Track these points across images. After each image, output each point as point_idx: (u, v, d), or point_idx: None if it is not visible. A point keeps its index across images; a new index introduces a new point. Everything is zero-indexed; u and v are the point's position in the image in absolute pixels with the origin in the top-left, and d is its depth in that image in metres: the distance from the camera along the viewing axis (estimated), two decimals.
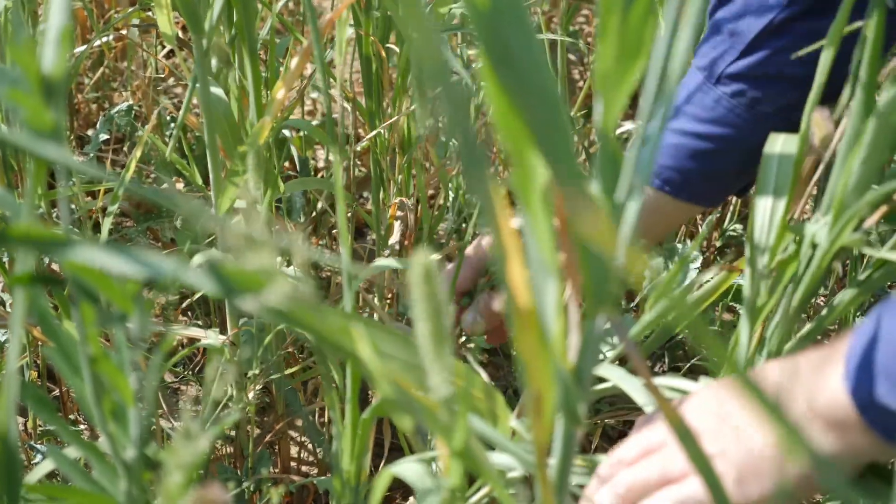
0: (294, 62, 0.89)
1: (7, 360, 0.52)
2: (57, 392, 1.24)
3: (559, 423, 0.55)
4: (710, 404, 0.71)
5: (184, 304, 1.32)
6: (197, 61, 0.89)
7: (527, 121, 0.44)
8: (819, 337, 0.91)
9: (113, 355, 0.55)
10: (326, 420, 1.27)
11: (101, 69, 1.76)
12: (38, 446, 1.06)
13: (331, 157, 1.70)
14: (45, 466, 0.76)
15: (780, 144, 0.89)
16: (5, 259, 1.11)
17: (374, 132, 1.23)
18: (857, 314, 1.34)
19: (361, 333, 0.50)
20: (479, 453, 0.53)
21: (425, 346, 0.45)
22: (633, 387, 0.77)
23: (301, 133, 1.52)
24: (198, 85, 0.91)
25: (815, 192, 0.91)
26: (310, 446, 1.29)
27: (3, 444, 0.53)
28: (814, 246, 0.84)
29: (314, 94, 1.94)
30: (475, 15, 0.42)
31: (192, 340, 1.09)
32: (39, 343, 1.16)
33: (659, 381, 0.80)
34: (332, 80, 1.40)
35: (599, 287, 0.49)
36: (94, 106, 1.80)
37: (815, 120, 0.81)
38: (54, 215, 1.20)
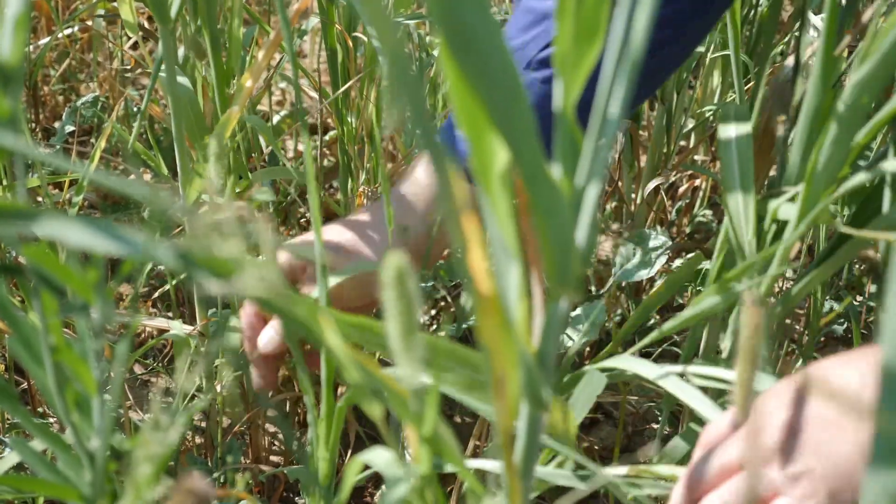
0: (262, 52, 0.88)
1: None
2: (25, 385, 1.24)
3: (523, 407, 0.55)
4: (780, 414, 0.67)
5: (153, 296, 1.31)
6: (163, 51, 0.88)
7: (486, 103, 0.44)
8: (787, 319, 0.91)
9: (76, 345, 0.55)
10: (299, 411, 1.27)
11: (67, 61, 1.74)
12: (5, 439, 1.05)
13: (300, 148, 1.69)
14: (11, 458, 0.75)
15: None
16: None
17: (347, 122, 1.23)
18: (826, 296, 1.35)
19: (329, 321, 0.50)
20: (448, 440, 0.53)
21: (396, 340, 0.46)
22: (692, 398, 0.76)
23: (270, 123, 1.52)
24: (163, 74, 0.91)
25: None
26: (281, 436, 1.28)
27: None
28: (776, 222, 0.85)
29: (282, 84, 1.93)
30: None
31: (162, 331, 1.09)
32: (6, 335, 1.16)
33: (692, 369, 0.79)
34: (300, 70, 1.39)
35: (562, 269, 0.49)
36: (60, 98, 1.79)
37: None
38: None
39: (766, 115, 0.88)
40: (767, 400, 0.68)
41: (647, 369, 0.79)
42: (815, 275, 0.86)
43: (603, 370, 0.84)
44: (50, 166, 1.14)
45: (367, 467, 0.61)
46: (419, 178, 1.01)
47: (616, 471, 0.75)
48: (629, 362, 0.82)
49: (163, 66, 0.91)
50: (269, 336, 0.96)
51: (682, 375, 0.77)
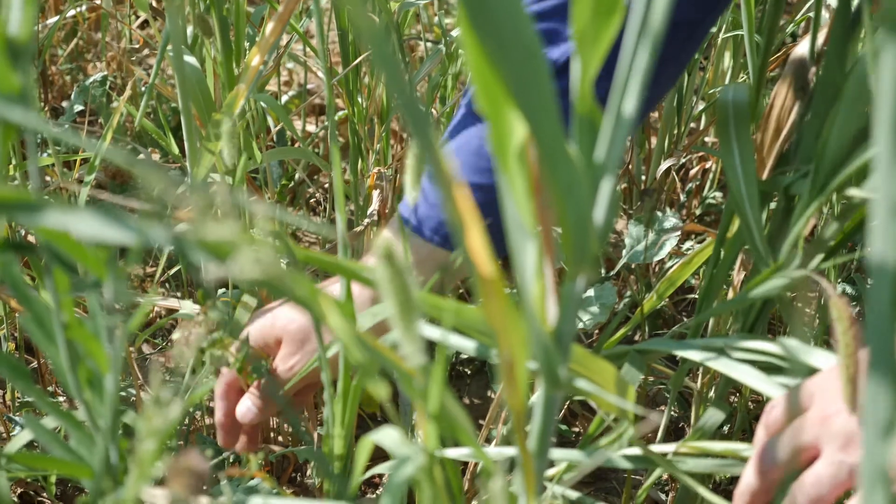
0: (269, 28, 0.87)
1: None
2: (35, 364, 1.23)
3: (539, 388, 0.54)
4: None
5: (162, 277, 1.31)
6: (171, 29, 0.88)
7: (505, 76, 0.43)
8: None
9: (88, 323, 0.55)
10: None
11: (75, 40, 1.74)
12: (16, 418, 1.05)
13: (309, 128, 1.69)
14: (23, 437, 0.75)
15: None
16: None
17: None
18: (838, 279, 1.34)
19: (330, 301, 0.50)
20: (458, 416, 0.52)
21: (395, 320, 0.45)
22: (747, 375, 0.75)
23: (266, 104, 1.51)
24: (171, 53, 0.90)
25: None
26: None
27: None
28: (788, 198, 0.84)
29: (290, 65, 1.92)
30: None
31: (171, 311, 1.08)
32: (17, 315, 1.15)
33: (733, 342, 0.78)
34: (308, 49, 1.38)
35: (579, 248, 0.49)
36: (67, 78, 1.78)
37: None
38: (28, 188, 1.19)
39: (779, 94, 0.88)
40: (830, 380, 0.67)
41: (692, 351, 0.78)
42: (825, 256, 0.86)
43: (639, 352, 0.83)
44: (61, 145, 1.13)
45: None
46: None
47: (663, 448, 0.75)
48: (670, 345, 0.82)
49: (170, 45, 0.90)
50: (247, 407, 0.96)
51: (721, 352, 0.76)
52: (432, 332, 0.66)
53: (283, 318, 0.93)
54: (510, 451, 0.73)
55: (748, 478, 0.69)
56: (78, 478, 0.58)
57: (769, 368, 0.76)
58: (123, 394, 1.09)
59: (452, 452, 0.73)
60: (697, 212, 1.66)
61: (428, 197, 0.93)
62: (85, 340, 0.54)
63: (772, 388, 0.73)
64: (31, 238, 1.30)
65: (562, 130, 0.45)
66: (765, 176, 0.90)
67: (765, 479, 0.68)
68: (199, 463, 0.48)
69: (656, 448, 0.75)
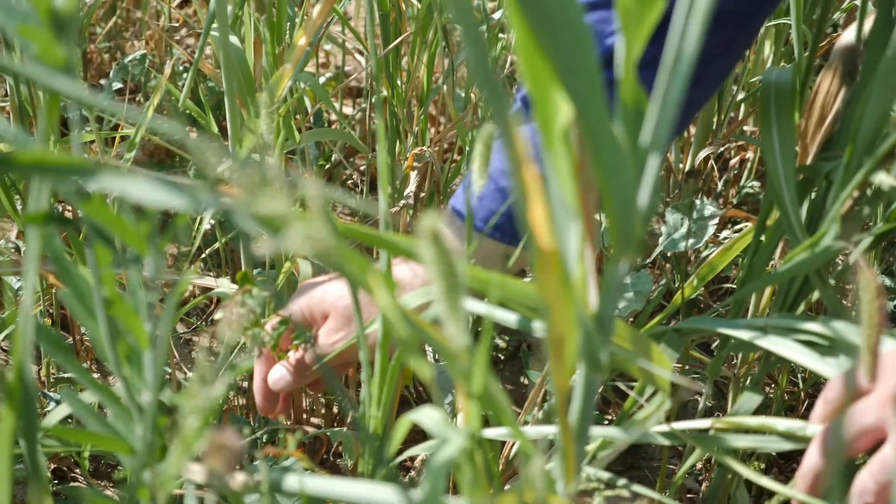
0: (316, 9, 0.87)
1: (22, 301, 0.51)
2: (70, 340, 1.24)
3: (580, 370, 0.54)
4: None
5: (200, 256, 1.32)
6: (216, 7, 0.88)
7: (552, 56, 0.43)
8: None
9: (128, 298, 0.55)
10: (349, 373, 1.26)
11: (114, 18, 1.74)
12: (51, 394, 1.06)
13: (345, 111, 1.69)
14: (59, 412, 0.76)
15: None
16: (18, 205, 1.11)
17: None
18: (879, 270, 1.33)
19: (379, 277, 0.50)
20: (499, 398, 0.52)
21: (441, 300, 0.45)
22: (798, 353, 0.75)
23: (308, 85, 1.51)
24: (215, 33, 0.90)
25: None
26: (321, 399, 1.29)
27: (21, 386, 0.53)
28: (829, 185, 0.83)
29: (327, 46, 1.92)
30: None
31: (205, 290, 1.09)
32: (53, 291, 1.16)
33: (773, 322, 0.77)
34: (347, 32, 1.38)
35: (624, 231, 0.48)
36: (106, 56, 1.79)
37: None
38: None
39: (824, 81, 0.87)
40: (893, 362, 0.67)
41: (736, 330, 0.77)
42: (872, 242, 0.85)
43: (677, 330, 0.83)
44: (103, 123, 1.14)
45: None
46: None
47: (698, 424, 0.74)
48: (712, 323, 0.81)
49: (214, 24, 0.90)
50: (280, 374, 0.97)
51: (763, 330, 0.76)
52: (477, 306, 0.66)
53: (333, 294, 0.94)
54: (549, 429, 0.73)
55: (812, 458, 0.68)
56: (116, 453, 0.59)
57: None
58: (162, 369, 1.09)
59: (490, 432, 0.73)
60: (734, 201, 1.64)
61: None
62: (125, 316, 0.54)
63: (823, 366, 0.73)
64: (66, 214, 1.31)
65: (607, 112, 0.44)
66: (808, 162, 0.89)
67: (829, 460, 0.67)
68: (236, 441, 0.48)
69: (695, 424, 0.75)
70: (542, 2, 0.42)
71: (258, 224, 0.42)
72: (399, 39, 1.25)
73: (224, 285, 1.01)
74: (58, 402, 1.06)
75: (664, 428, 0.75)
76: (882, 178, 0.80)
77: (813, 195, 0.90)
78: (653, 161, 0.48)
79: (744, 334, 0.77)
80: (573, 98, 0.44)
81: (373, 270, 0.48)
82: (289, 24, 1.31)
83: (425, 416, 0.56)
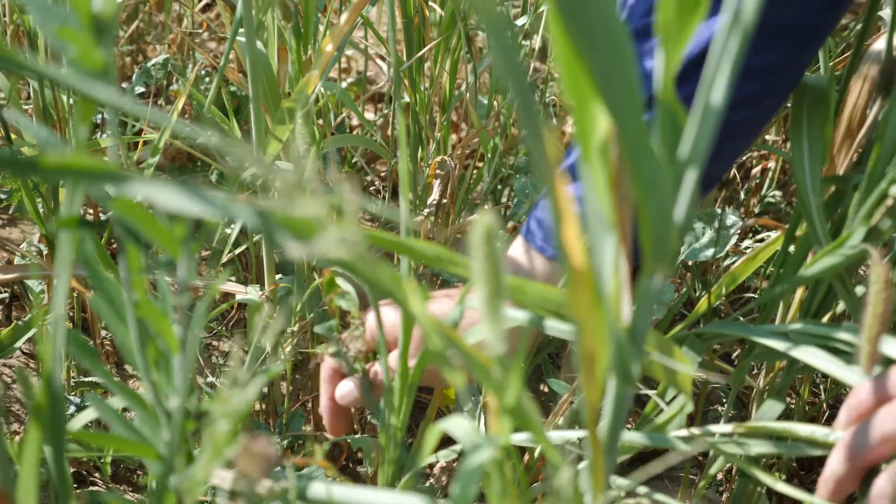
0: (343, 17, 0.87)
1: (54, 304, 0.51)
2: (91, 344, 1.24)
3: (611, 383, 0.54)
4: None
5: (223, 261, 1.32)
6: (243, 13, 0.88)
7: (592, 69, 0.43)
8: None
9: (157, 302, 0.55)
10: None
11: (136, 22, 1.75)
12: (72, 398, 1.06)
13: (367, 115, 1.69)
14: (85, 416, 0.76)
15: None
16: (41, 209, 1.11)
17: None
18: None
19: (413, 287, 0.49)
20: (530, 410, 0.52)
21: (482, 304, 0.45)
22: (823, 361, 0.74)
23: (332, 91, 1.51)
24: (241, 38, 0.90)
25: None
26: None
27: (49, 390, 0.53)
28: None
29: (349, 52, 1.92)
30: None
31: (227, 296, 1.08)
32: (75, 294, 1.16)
33: (793, 328, 0.76)
34: (369, 38, 1.38)
35: (659, 245, 0.48)
36: (128, 59, 1.79)
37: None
38: None
39: (852, 93, 0.86)
40: None
41: (760, 335, 0.77)
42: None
43: (698, 336, 0.82)
44: (126, 127, 1.14)
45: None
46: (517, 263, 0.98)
47: (721, 428, 0.74)
48: (735, 328, 0.81)
49: (241, 29, 0.90)
50: (349, 389, 0.96)
51: (787, 337, 0.76)
52: (515, 314, 0.66)
53: None
54: (576, 434, 0.73)
55: (834, 464, 0.68)
56: (142, 458, 0.59)
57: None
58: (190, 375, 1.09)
59: (516, 439, 0.73)
60: (756, 210, 1.64)
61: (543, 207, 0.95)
62: (155, 320, 0.54)
63: (848, 374, 0.72)
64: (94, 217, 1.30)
65: (645, 125, 0.44)
66: (839, 174, 0.88)
67: (851, 467, 0.67)
68: (268, 447, 0.48)
69: (717, 428, 0.74)
70: (584, 15, 0.42)
71: (290, 231, 0.42)
72: (426, 49, 1.25)
73: (251, 292, 1.01)
74: (78, 406, 1.06)
75: (684, 433, 0.75)
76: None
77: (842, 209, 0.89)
78: (690, 175, 0.47)
79: (767, 340, 0.77)
80: (612, 111, 0.44)
81: (406, 280, 0.48)
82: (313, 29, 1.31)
83: (454, 424, 0.56)
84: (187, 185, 0.41)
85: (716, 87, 0.45)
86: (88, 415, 0.76)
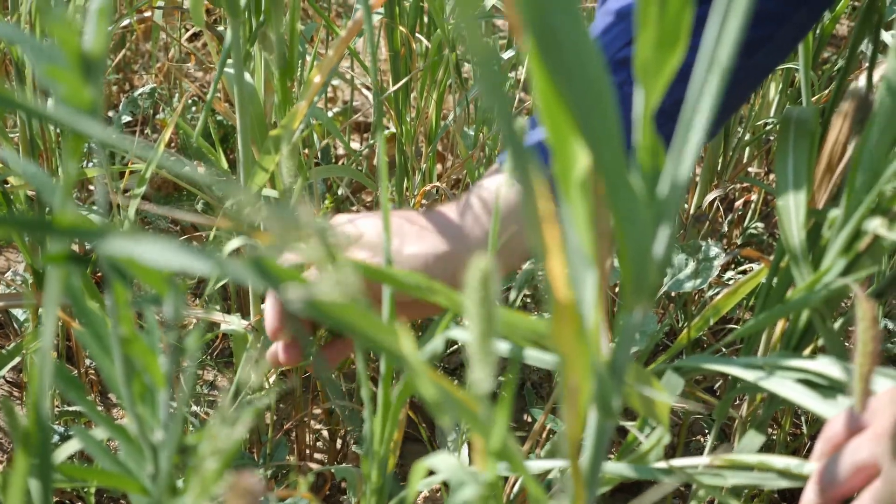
0: (332, 49, 0.88)
1: (42, 337, 0.52)
2: (74, 373, 1.24)
3: (592, 416, 0.54)
4: None
5: (205, 292, 1.32)
6: (232, 44, 0.88)
7: (571, 107, 0.43)
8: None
9: (144, 337, 0.55)
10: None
11: (123, 51, 1.75)
12: (56, 427, 1.06)
13: (353, 146, 1.69)
14: (69, 447, 0.76)
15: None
16: (26, 238, 1.11)
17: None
18: (882, 315, 1.33)
19: (405, 332, 0.50)
20: (515, 450, 0.52)
21: (474, 344, 0.45)
22: (798, 394, 0.75)
23: (321, 121, 1.52)
24: (229, 70, 0.91)
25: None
26: (325, 434, 1.29)
27: (38, 423, 0.53)
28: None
29: (335, 82, 1.93)
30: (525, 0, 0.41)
31: (212, 326, 1.09)
32: (59, 323, 1.16)
33: (771, 361, 0.77)
34: (355, 68, 1.38)
35: (639, 279, 0.49)
36: (114, 88, 1.80)
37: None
38: (74, 195, 1.20)
39: (833, 128, 0.87)
40: (889, 400, 0.67)
41: (736, 368, 0.78)
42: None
43: (677, 369, 0.83)
44: (123, 155, 1.14)
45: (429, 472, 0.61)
46: (484, 193, 0.95)
47: (698, 461, 0.74)
48: (711, 360, 0.81)
49: (229, 60, 0.91)
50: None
51: (762, 369, 0.76)
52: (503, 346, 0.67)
53: (363, 227, 0.89)
54: (553, 463, 0.73)
55: (809, 496, 0.69)
56: (126, 491, 0.59)
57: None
58: (184, 410, 1.09)
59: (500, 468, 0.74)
60: (739, 241, 1.65)
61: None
62: (142, 355, 0.54)
63: (825, 407, 0.73)
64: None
65: (625, 162, 0.45)
66: (818, 208, 0.89)
67: (825, 497, 0.68)
68: (257, 484, 0.49)
69: (693, 461, 0.75)
70: (563, 53, 0.42)
71: (285, 279, 0.42)
72: (406, 79, 1.26)
73: (234, 322, 1.01)
74: (62, 436, 1.06)
75: (663, 465, 0.75)
76: (874, 225, 0.80)
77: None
78: (669, 212, 0.48)
79: (743, 373, 0.77)
80: (591, 147, 0.44)
81: (399, 328, 0.49)
82: (299, 60, 1.32)
83: (440, 461, 0.57)
84: (171, 241, 0.41)
85: (693, 130, 0.46)
86: (73, 445, 0.77)
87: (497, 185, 0.92)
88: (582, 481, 0.55)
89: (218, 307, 1.33)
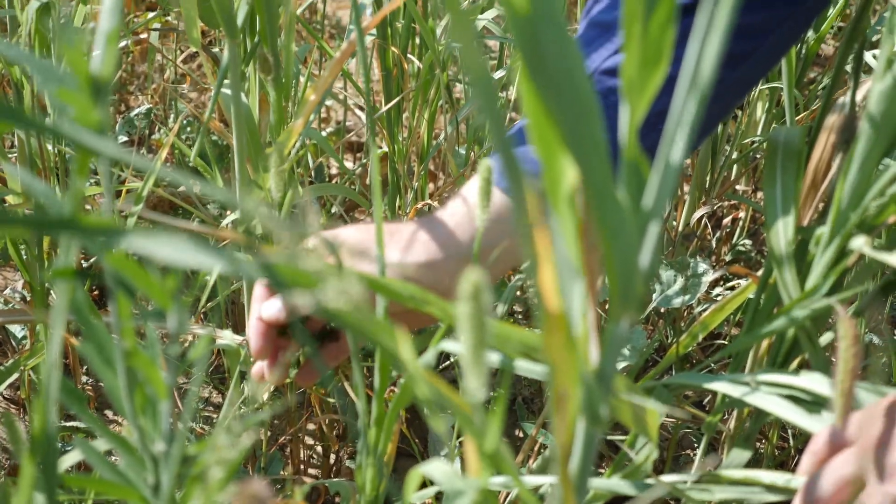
0: (326, 70, 0.90)
1: (50, 349, 0.53)
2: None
3: (580, 424, 0.56)
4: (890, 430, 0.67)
5: (199, 309, 1.34)
6: (230, 64, 0.90)
7: (560, 124, 0.45)
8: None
9: (146, 350, 0.57)
10: (336, 426, 1.28)
11: (119, 72, 1.77)
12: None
13: (346, 165, 1.71)
14: (68, 459, 0.77)
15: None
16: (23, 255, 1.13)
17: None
18: (866, 330, 1.35)
19: (405, 336, 0.52)
20: (506, 456, 0.54)
21: (466, 354, 0.47)
22: (785, 410, 0.76)
23: (314, 141, 1.54)
24: (225, 90, 0.93)
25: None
26: (319, 449, 1.30)
27: (44, 436, 0.55)
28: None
29: (328, 102, 1.95)
30: (515, 21, 0.43)
31: (182, 354, 1.10)
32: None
33: (761, 378, 0.79)
34: (348, 89, 1.40)
35: (625, 290, 0.50)
36: (110, 108, 1.82)
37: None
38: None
39: (818, 147, 0.90)
40: (875, 413, 0.68)
41: (723, 385, 0.79)
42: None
43: (666, 386, 0.84)
44: (119, 174, 1.16)
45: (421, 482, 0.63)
46: (468, 199, 0.96)
47: (685, 477, 0.76)
48: (698, 378, 0.83)
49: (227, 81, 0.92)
50: (275, 307, 0.90)
51: (748, 385, 0.78)
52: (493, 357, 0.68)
53: (344, 237, 0.91)
54: (547, 479, 0.75)
55: None
56: (128, 501, 0.60)
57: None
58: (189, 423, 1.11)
59: (494, 482, 0.75)
60: (727, 258, 1.67)
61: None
62: (145, 367, 0.56)
63: (810, 422, 0.75)
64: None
65: (611, 177, 0.47)
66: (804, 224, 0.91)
67: None
68: (265, 491, 0.50)
69: (680, 477, 0.77)
70: (552, 72, 0.44)
71: (294, 283, 0.44)
72: (398, 98, 1.28)
73: (227, 337, 1.03)
74: (61, 451, 1.07)
75: (652, 481, 0.77)
76: (858, 244, 0.82)
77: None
78: (654, 224, 0.50)
79: (729, 389, 0.79)
80: (579, 163, 0.46)
81: (401, 335, 0.51)
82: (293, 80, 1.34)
83: (434, 468, 0.59)
84: (186, 241, 0.43)
85: (676, 146, 0.48)
86: (72, 458, 0.78)
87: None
88: (571, 487, 0.56)
89: (213, 324, 1.35)
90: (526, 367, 0.69)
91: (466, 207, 0.95)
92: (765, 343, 1.05)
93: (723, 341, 1.52)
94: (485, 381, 0.48)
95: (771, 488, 0.74)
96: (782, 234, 0.89)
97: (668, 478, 0.76)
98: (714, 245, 1.68)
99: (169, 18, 1.54)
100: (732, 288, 1.55)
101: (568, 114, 0.45)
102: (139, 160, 0.41)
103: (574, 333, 0.51)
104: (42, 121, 0.44)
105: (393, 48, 1.24)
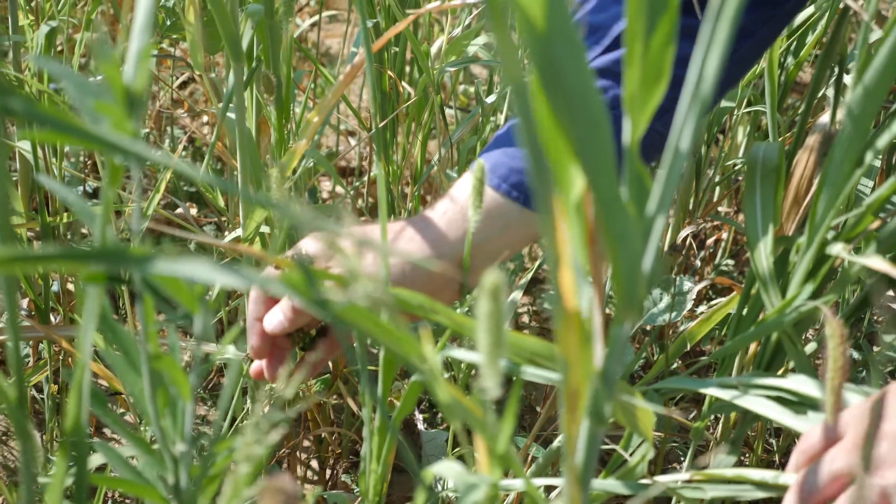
0: (330, 92, 0.93)
1: (79, 356, 0.56)
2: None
3: (584, 423, 0.59)
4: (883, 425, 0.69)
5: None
6: (235, 87, 0.93)
7: (571, 137, 0.48)
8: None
9: (171, 353, 0.59)
10: (331, 439, 1.30)
11: None
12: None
13: (338, 189, 1.74)
14: (92, 461, 0.80)
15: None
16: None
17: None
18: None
19: (428, 339, 0.55)
20: (515, 457, 0.57)
21: (483, 353, 0.50)
22: (773, 411, 0.79)
23: (307, 163, 1.56)
24: (230, 114, 0.95)
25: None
26: (314, 465, 1.32)
27: (76, 437, 0.57)
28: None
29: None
30: (530, 36, 0.46)
31: (206, 355, 1.12)
32: (60, 356, 1.20)
33: (746, 380, 0.81)
34: (342, 113, 1.43)
35: (629, 294, 0.53)
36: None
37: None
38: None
39: (799, 164, 0.93)
40: (862, 411, 0.71)
41: (712, 387, 0.82)
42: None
43: (658, 390, 0.87)
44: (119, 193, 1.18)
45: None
46: (458, 198, 0.98)
47: (678, 476, 0.79)
48: (687, 382, 0.86)
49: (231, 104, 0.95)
50: (277, 319, 0.92)
51: (735, 388, 0.81)
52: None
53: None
54: (556, 481, 0.78)
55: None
56: (148, 500, 0.63)
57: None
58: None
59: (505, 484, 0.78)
60: (711, 276, 1.71)
61: (501, 143, 0.97)
62: (170, 369, 0.58)
63: (797, 422, 0.78)
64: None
65: (618, 185, 0.50)
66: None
67: None
68: (292, 485, 0.52)
69: (673, 476, 0.79)
70: (563, 85, 0.47)
71: (321, 287, 0.47)
72: (390, 117, 1.31)
73: (230, 351, 1.05)
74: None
75: (647, 482, 0.80)
76: (837, 249, 0.85)
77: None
78: (657, 230, 0.53)
79: (718, 392, 0.82)
80: (587, 173, 0.49)
81: (422, 337, 0.54)
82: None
83: (446, 468, 0.61)
84: (220, 263, 0.46)
85: (677, 159, 0.51)
86: (97, 460, 0.80)
87: (468, 192, 0.96)
88: (577, 480, 0.59)
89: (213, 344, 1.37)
90: (534, 373, 0.72)
91: (457, 206, 0.98)
92: (750, 351, 1.08)
93: (707, 359, 1.55)
94: (499, 381, 0.51)
95: (760, 485, 0.77)
96: (762, 240, 0.92)
97: (661, 478, 0.79)
98: (698, 265, 1.71)
99: (164, 46, 1.57)
100: (716, 305, 1.58)
101: (578, 126, 0.48)
102: (161, 157, 0.44)
103: (588, 332, 0.54)
104: (91, 130, 0.47)
105: (389, 72, 1.27)
